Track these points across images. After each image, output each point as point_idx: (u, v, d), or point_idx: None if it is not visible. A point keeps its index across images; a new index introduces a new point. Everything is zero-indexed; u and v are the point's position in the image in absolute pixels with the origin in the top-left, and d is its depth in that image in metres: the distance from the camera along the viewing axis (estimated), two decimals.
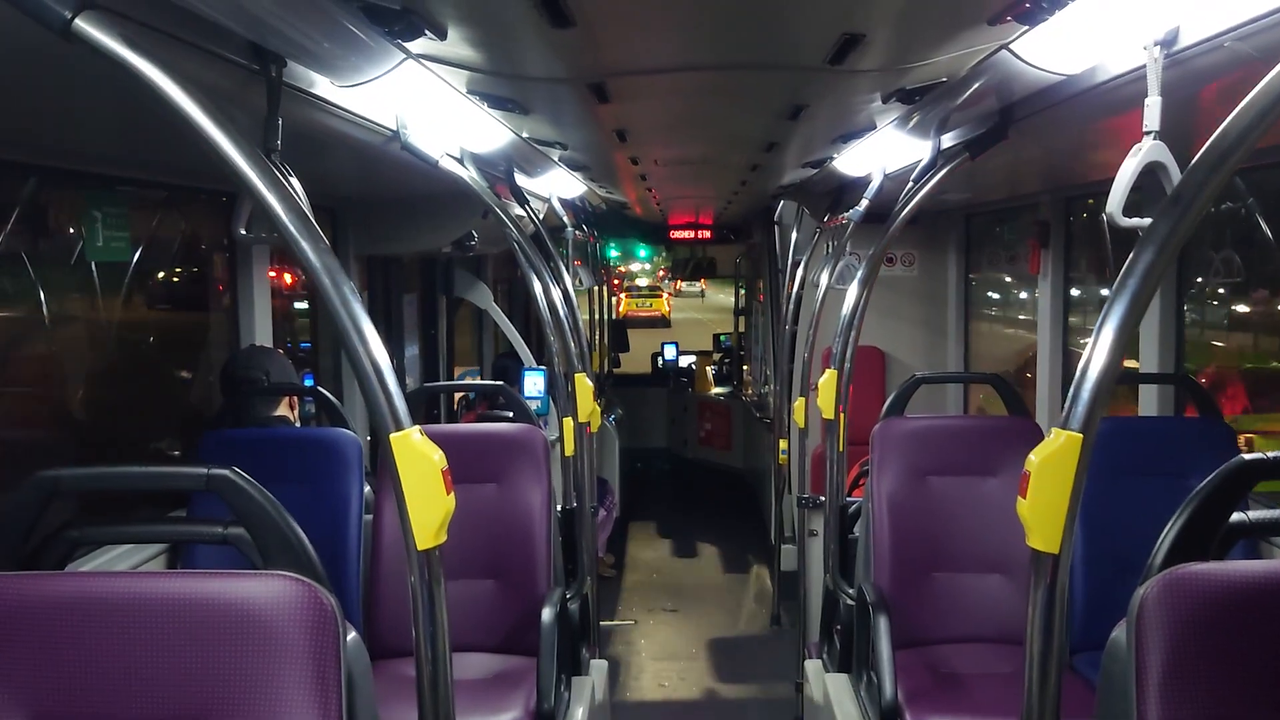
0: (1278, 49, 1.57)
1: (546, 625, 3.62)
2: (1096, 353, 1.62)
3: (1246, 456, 1.83)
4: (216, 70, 2.19)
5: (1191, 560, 1.75)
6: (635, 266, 33.77)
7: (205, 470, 1.88)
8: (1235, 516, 1.85)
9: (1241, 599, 1.67)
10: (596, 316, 12.37)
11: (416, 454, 1.66)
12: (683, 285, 37.79)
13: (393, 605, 3.73)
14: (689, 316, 34.93)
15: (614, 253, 13.85)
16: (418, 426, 1.69)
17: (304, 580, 1.70)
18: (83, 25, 1.53)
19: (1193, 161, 1.61)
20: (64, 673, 1.68)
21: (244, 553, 1.89)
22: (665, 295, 34.30)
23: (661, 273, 34.72)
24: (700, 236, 12.23)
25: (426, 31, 2.24)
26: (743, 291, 14.05)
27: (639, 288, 34.03)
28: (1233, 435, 3.64)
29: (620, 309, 30.16)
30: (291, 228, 1.63)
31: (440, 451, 1.68)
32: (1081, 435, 1.60)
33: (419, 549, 1.67)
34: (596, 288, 11.89)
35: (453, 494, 1.69)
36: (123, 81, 1.55)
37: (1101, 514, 3.59)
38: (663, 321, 32.03)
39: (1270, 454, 1.84)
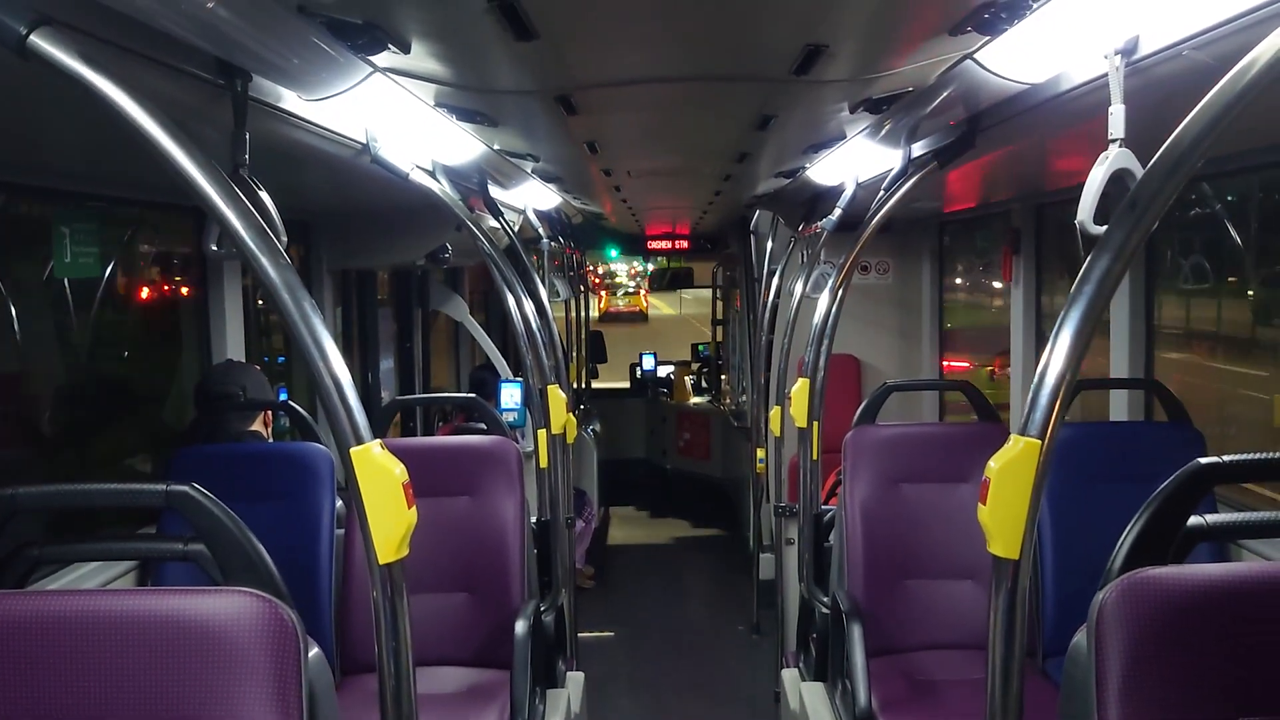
0: (1233, 57, 1.59)
1: (519, 638, 3.61)
2: (1054, 359, 1.63)
3: (1203, 461, 1.84)
4: (181, 86, 2.18)
5: (1150, 564, 1.76)
6: (616, 268, 39.01)
7: (164, 486, 1.87)
8: (1192, 520, 1.86)
9: (1199, 602, 1.68)
10: (576, 315, 12.36)
11: (377, 467, 1.65)
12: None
13: (364, 620, 3.70)
14: (668, 314, 39.04)
15: (613, 253, 14.06)
16: (379, 440, 1.68)
17: (264, 596, 1.69)
18: (38, 42, 1.51)
19: (1147, 167, 1.63)
20: (22, 692, 1.66)
21: (204, 569, 1.89)
22: (643, 293, 38.40)
23: (633, 270, 38.97)
24: (677, 247, 12.25)
25: (390, 45, 2.25)
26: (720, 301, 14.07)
27: (621, 287, 39.02)
28: (1201, 439, 3.66)
29: (604, 304, 34.14)
30: (250, 242, 1.62)
31: (401, 465, 1.68)
32: (1040, 441, 1.61)
33: (380, 563, 1.67)
34: (574, 299, 11.89)
35: (414, 508, 1.69)
36: (84, 98, 1.55)
37: (1072, 519, 3.61)
38: (641, 316, 36.33)
39: (1227, 457, 1.85)
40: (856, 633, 3.62)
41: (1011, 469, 1.62)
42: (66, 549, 2.28)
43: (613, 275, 39.66)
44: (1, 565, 1.92)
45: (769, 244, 7.90)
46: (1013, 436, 1.64)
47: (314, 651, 1.74)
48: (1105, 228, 1.99)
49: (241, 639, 1.66)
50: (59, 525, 3.33)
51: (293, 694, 1.66)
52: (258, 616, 1.67)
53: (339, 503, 3.71)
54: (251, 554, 1.85)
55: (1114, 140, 2.10)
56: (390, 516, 1.66)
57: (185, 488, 1.86)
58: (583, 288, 12.97)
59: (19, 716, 1.67)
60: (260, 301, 4.86)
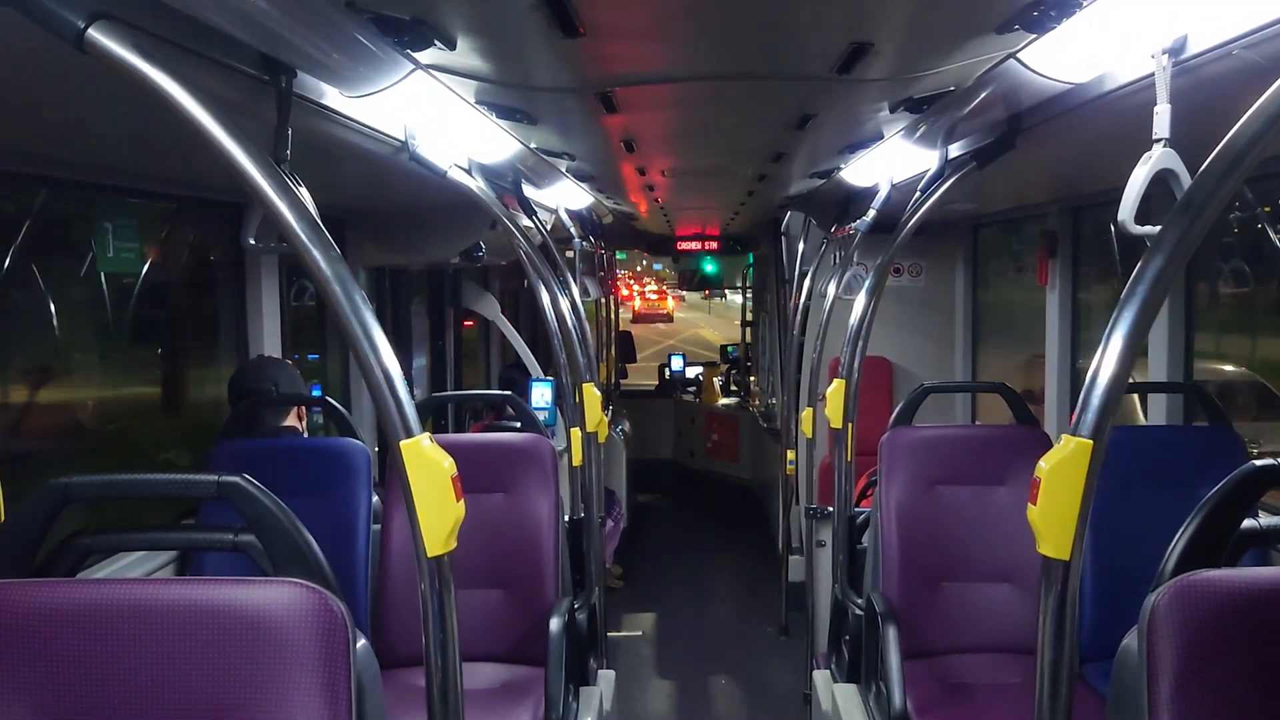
0: None
1: (554, 635, 3.62)
2: (1106, 359, 1.62)
3: (1258, 463, 1.83)
4: (227, 81, 2.20)
5: (1202, 567, 1.74)
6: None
7: (216, 478, 1.89)
8: (1247, 523, 1.84)
9: (1254, 606, 1.67)
10: (605, 315, 12.35)
11: (427, 461, 1.66)
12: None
13: (400, 615, 3.73)
14: (691, 316, 44.53)
15: (709, 268, 14.60)
16: (428, 434, 1.69)
17: (314, 588, 1.70)
18: (95, 36, 1.53)
19: (1202, 168, 1.62)
20: (76, 680, 1.68)
21: (255, 560, 1.90)
22: (670, 297, 44.48)
23: (661, 289, 45.62)
24: (707, 247, 12.26)
25: (436, 42, 2.25)
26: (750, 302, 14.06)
27: (651, 292, 45.62)
28: (1242, 444, 3.63)
29: (637, 307, 41.45)
30: (303, 236, 1.64)
31: (450, 458, 1.69)
32: (1092, 442, 1.60)
33: (429, 556, 1.68)
34: (603, 299, 11.91)
35: (462, 501, 1.70)
36: (133, 92, 1.56)
37: (1110, 523, 3.58)
38: (667, 317, 42.36)
39: None
40: (891, 635, 3.61)
41: (1063, 469, 1.61)
42: (117, 538, 2.30)
43: (644, 282, 45.86)
44: (53, 554, 1.94)
45: (800, 245, 7.88)
46: (1064, 437, 1.63)
47: (361, 643, 1.76)
48: (1150, 228, 1.99)
49: (292, 629, 1.67)
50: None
51: (342, 684, 1.67)
52: (308, 607, 1.68)
53: (375, 498, 3.72)
54: (301, 545, 1.86)
55: (1158, 140, 2.09)
56: (439, 509, 1.67)
57: (237, 479, 1.87)
58: (613, 288, 12.98)
59: (74, 703, 1.68)
60: (293, 302, 4.89)
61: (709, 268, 14.63)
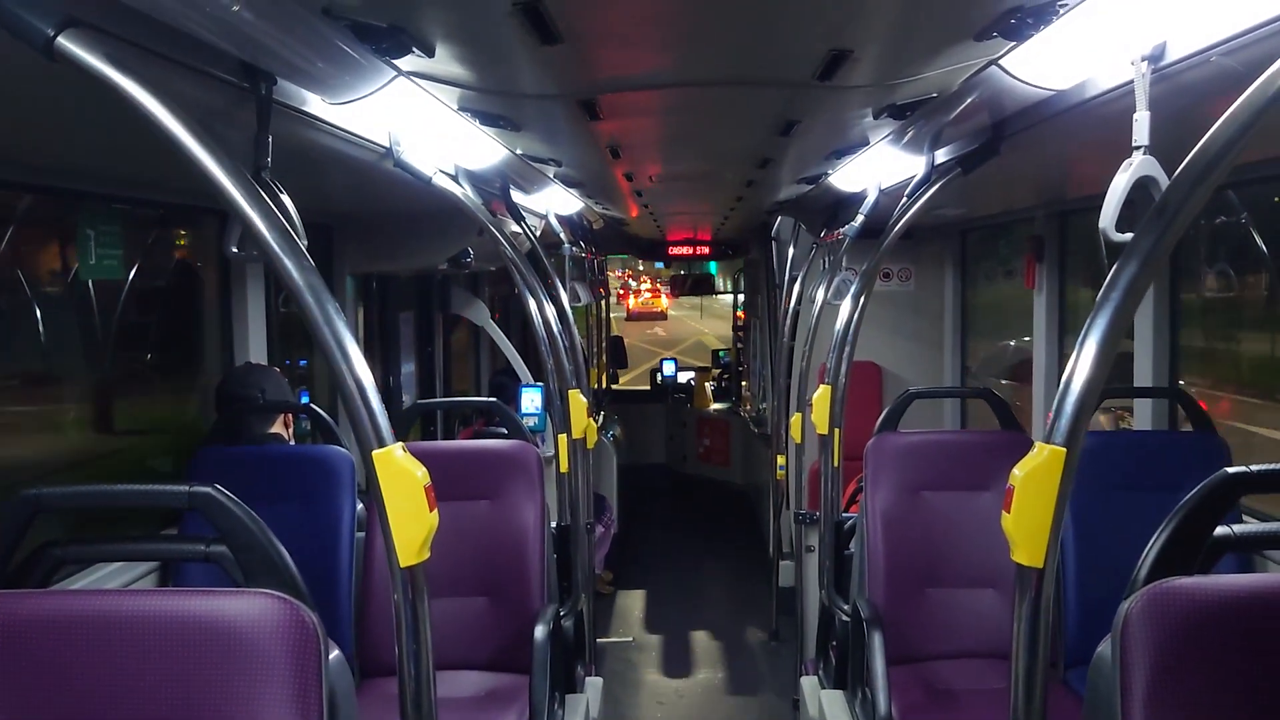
0: (1262, 63, 1.57)
1: (539, 642, 3.61)
2: (1080, 366, 1.62)
3: (1231, 470, 1.82)
4: (206, 88, 2.19)
5: (1176, 574, 1.74)
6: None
7: (187, 488, 1.88)
8: (1220, 530, 1.84)
9: (1226, 613, 1.67)
10: (598, 316, 12.34)
11: (399, 470, 1.66)
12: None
13: (384, 623, 3.72)
14: (685, 315, 44.66)
15: (702, 271, 15.08)
16: (401, 443, 1.68)
17: (286, 598, 1.70)
18: (65, 44, 1.52)
19: (1175, 174, 1.62)
20: (45, 691, 1.67)
21: (226, 570, 1.89)
22: (664, 296, 44.27)
23: (654, 288, 45.62)
24: (698, 252, 12.27)
25: (415, 49, 2.24)
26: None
27: (644, 291, 46.02)
28: (1226, 449, 3.64)
29: (631, 306, 42.77)
30: (274, 245, 1.63)
31: (423, 468, 1.68)
32: (1065, 449, 1.60)
33: (401, 566, 1.67)
34: (594, 304, 11.90)
35: (436, 511, 1.69)
36: (110, 100, 1.55)
37: (1094, 528, 3.58)
38: (661, 315, 43.74)
39: (1255, 467, 1.83)
40: (877, 640, 3.60)
41: (1036, 477, 1.61)
42: (89, 549, 2.29)
43: (638, 280, 46.20)
44: (25, 565, 1.93)
45: (790, 250, 7.89)
46: (1037, 444, 1.63)
47: (335, 654, 1.75)
48: (1129, 235, 1.98)
49: (263, 640, 1.66)
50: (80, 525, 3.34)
51: (313, 696, 1.66)
52: (279, 618, 1.67)
53: (359, 505, 3.71)
54: (273, 556, 1.85)
55: (1138, 147, 2.09)
56: (412, 519, 1.66)
57: (208, 489, 1.87)
58: (603, 292, 12.97)
59: (40, 714, 1.67)
60: (282, 308, 4.88)
61: (702, 271, 14.68)
